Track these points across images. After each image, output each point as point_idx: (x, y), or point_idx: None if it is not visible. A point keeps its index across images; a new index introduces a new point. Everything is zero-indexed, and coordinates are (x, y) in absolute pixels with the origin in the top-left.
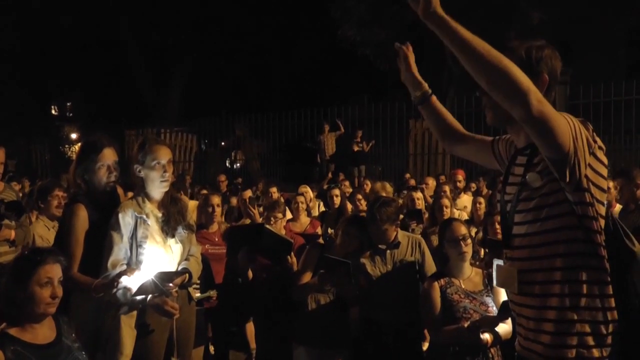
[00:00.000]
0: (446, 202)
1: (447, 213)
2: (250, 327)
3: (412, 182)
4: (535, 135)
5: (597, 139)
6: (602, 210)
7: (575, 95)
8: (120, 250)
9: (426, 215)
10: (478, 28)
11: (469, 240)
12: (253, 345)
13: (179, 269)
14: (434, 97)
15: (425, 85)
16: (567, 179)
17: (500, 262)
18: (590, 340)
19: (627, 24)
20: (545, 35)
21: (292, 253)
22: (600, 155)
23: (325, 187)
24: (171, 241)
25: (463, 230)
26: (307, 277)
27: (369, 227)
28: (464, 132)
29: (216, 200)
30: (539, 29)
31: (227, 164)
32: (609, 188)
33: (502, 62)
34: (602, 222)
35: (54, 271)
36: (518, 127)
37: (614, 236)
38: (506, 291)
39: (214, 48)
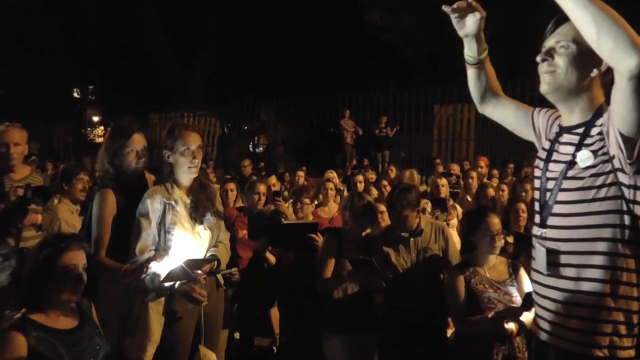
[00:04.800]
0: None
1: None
2: (274, 313)
3: (441, 168)
4: (631, 96)
5: None
6: None
7: None
8: (148, 236)
9: (451, 203)
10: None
11: (502, 235)
12: (277, 330)
13: (208, 255)
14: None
15: (486, 45)
16: (634, 158)
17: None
18: (623, 330)
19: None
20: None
21: (318, 233)
22: None
23: (349, 172)
24: (200, 228)
25: (498, 225)
26: (330, 268)
27: (389, 215)
28: (504, 96)
29: (262, 188)
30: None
31: (250, 148)
32: None
33: (613, 12)
34: None
35: (79, 257)
36: (573, 104)
37: None
38: (530, 275)
39: (239, 32)
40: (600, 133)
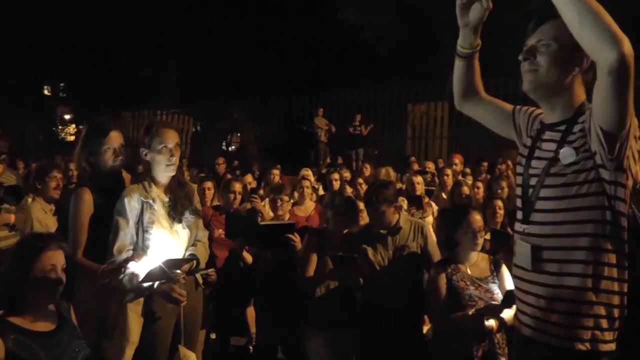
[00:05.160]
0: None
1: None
2: (250, 312)
3: (416, 165)
4: (612, 90)
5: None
6: (628, 195)
7: None
8: (126, 236)
9: (426, 200)
10: None
11: (484, 232)
12: (253, 329)
13: (187, 254)
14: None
15: (479, 40)
16: (615, 154)
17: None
18: (605, 323)
19: (626, 10)
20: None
21: (295, 233)
22: (637, 143)
23: (324, 171)
24: (178, 226)
25: (481, 222)
26: (312, 267)
27: (368, 211)
28: (485, 95)
29: (238, 186)
30: (537, 14)
31: (224, 147)
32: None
33: (599, 6)
34: (626, 207)
35: (57, 257)
36: (555, 102)
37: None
38: (512, 271)
39: (212, 29)
40: (582, 130)
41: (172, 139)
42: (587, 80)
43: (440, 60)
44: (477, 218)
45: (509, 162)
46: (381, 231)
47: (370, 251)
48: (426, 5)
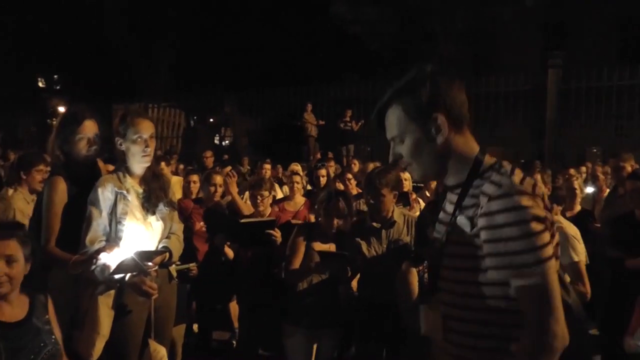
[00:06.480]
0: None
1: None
2: (233, 307)
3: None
4: None
5: None
6: None
7: (569, 79)
8: (99, 226)
9: (413, 197)
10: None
11: None
12: (236, 324)
13: (160, 247)
14: None
15: None
16: None
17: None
18: None
19: (619, 8)
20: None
21: (276, 228)
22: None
23: (313, 166)
24: (152, 218)
25: None
26: (297, 261)
27: (366, 199)
28: None
29: (219, 179)
30: (532, 11)
31: (216, 141)
32: (598, 174)
33: None
34: None
35: (10, 248)
36: (447, 170)
37: None
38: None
39: (204, 23)
40: (475, 196)
41: (147, 129)
42: (459, 133)
43: (431, 60)
44: None
45: None
46: (374, 224)
47: (363, 245)
48: (417, 0)
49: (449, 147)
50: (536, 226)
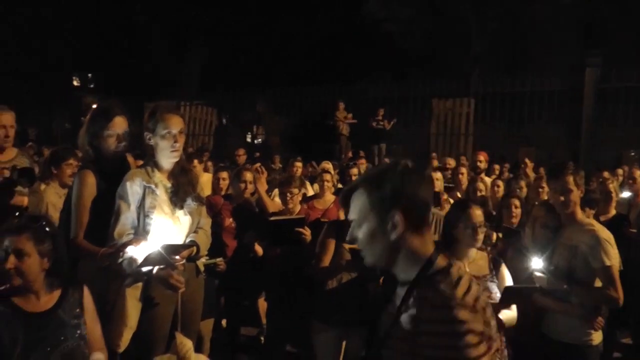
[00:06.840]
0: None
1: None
2: (262, 303)
3: (435, 162)
4: None
5: None
6: None
7: (607, 79)
8: (127, 220)
9: (445, 197)
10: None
11: (484, 227)
12: (264, 320)
13: (187, 241)
14: None
15: None
16: None
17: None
18: None
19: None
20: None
21: (305, 227)
22: None
23: (345, 164)
24: (180, 212)
25: (481, 217)
26: (327, 259)
27: None
28: None
29: (249, 176)
30: (569, 9)
31: (248, 139)
32: (635, 178)
33: None
34: None
35: (21, 242)
36: (397, 263)
37: None
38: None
39: (236, 22)
40: (420, 298)
41: (176, 124)
42: (417, 232)
43: (465, 56)
44: (477, 213)
45: (527, 161)
46: None
47: None
48: None
49: (402, 244)
50: (471, 339)
